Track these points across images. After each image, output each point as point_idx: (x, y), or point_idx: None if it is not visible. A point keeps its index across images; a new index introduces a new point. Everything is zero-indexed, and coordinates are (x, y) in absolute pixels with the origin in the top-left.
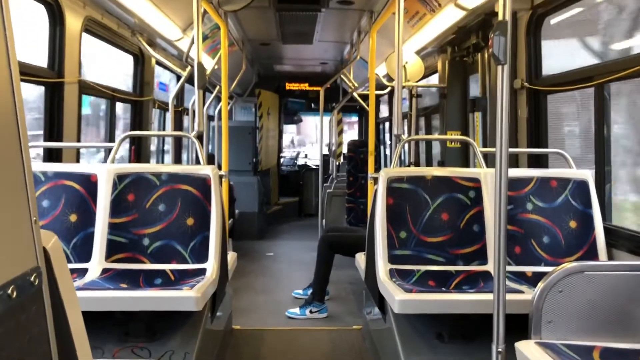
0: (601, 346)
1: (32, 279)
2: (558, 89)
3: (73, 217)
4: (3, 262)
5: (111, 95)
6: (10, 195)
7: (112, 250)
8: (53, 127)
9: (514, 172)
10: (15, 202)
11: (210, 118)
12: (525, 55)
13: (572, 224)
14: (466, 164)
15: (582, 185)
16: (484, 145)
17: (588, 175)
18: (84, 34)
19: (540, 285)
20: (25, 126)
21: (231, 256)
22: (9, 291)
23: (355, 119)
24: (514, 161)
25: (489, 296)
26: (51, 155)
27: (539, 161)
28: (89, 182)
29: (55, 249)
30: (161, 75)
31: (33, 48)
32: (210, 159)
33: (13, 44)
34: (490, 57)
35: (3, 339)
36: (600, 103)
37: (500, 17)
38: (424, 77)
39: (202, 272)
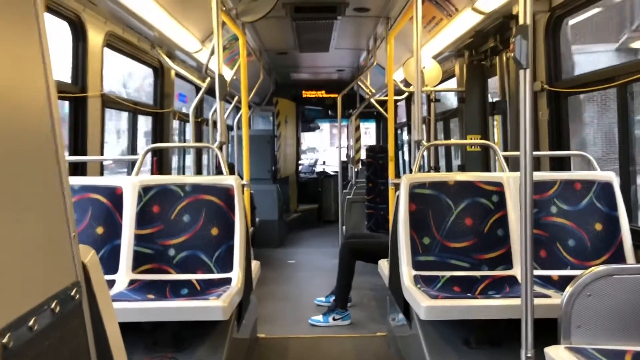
0: (633, 350)
1: (72, 293)
2: (579, 91)
3: (100, 230)
4: (46, 278)
5: (133, 108)
6: (50, 211)
7: (139, 261)
8: (77, 141)
9: (537, 176)
10: (55, 217)
11: (229, 128)
12: (545, 57)
13: (598, 227)
14: (486, 168)
15: (606, 187)
16: (504, 149)
17: (612, 176)
18: (106, 49)
19: (569, 289)
20: (63, 142)
21: (255, 265)
22: (52, 305)
23: (368, 124)
24: (535, 164)
25: (516, 301)
26: (76, 169)
27: (560, 164)
28: (115, 195)
29: (93, 263)
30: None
31: (56, 64)
32: (231, 169)
33: (50, 62)
34: (509, 59)
35: (48, 352)
36: (623, 103)
37: (521, 21)
38: (441, 81)
39: (228, 281)
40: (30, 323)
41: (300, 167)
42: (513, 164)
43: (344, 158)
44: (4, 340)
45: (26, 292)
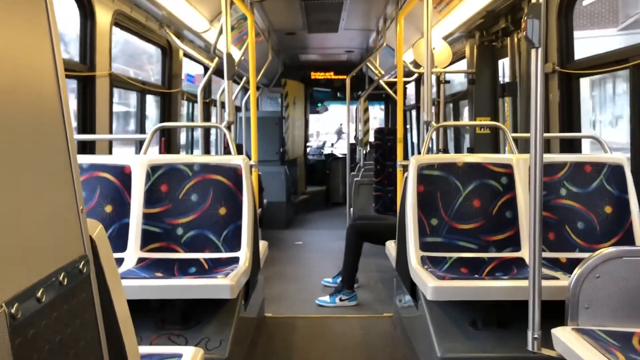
0: None
1: (80, 266)
2: (591, 72)
3: (108, 208)
4: (54, 250)
5: (141, 88)
6: (58, 185)
7: (147, 240)
8: (86, 119)
9: (547, 158)
10: (63, 191)
11: (237, 109)
12: (557, 38)
13: (607, 210)
14: (496, 150)
15: (617, 169)
16: (514, 131)
17: (623, 159)
18: (114, 28)
19: (577, 270)
20: (71, 119)
21: (262, 245)
22: (60, 278)
23: (376, 108)
24: (545, 146)
25: (523, 282)
26: (84, 148)
27: (571, 146)
28: (123, 174)
29: (100, 237)
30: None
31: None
32: (238, 150)
33: (58, 42)
34: (520, 40)
35: (56, 323)
36: (636, 85)
37: (533, 0)
38: (451, 63)
39: (235, 260)
40: (39, 294)
41: (308, 149)
42: (522, 146)
43: (352, 140)
44: (13, 310)
45: (34, 263)
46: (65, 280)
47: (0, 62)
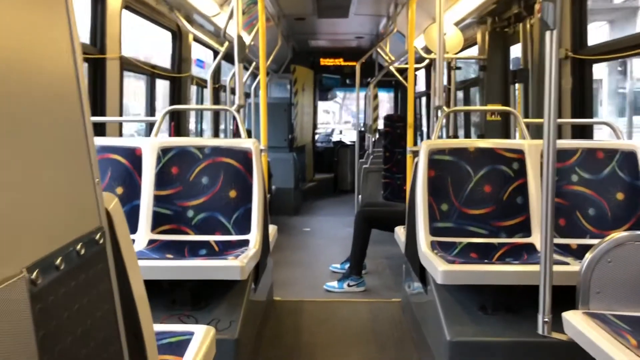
0: None
1: (97, 237)
2: (605, 58)
3: (119, 190)
4: (71, 221)
5: (151, 72)
6: (75, 158)
7: (158, 222)
8: (96, 102)
9: (560, 143)
10: (80, 164)
11: (246, 95)
12: (570, 24)
13: (619, 196)
14: (506, 137)
15: (629, 156)
16: (526, 118)
17: (637, 145)
18: (124, 11)
19: (589, 255)
20: (87, 96)
21: (272, 229)
22: (78, 248)
23: (383, 94)
24: (557, 132)
25: (534, 267)
26: (95, 130)
27: (582, 132)
28: (134, 156)
29: (116, 210)
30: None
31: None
32: (248, 134)
33: (75, 24)
34: (533, 26)
35: (74, 292)
36: None
37: None
38: (462, 49)
39: (245, 243)
40: (57, 262)
41: (316, 136)
42: (534, 132)
43: (361, 127)
44: (33, 277)
45: (53, 232)
46: (83, 250)
47: (20, 41)
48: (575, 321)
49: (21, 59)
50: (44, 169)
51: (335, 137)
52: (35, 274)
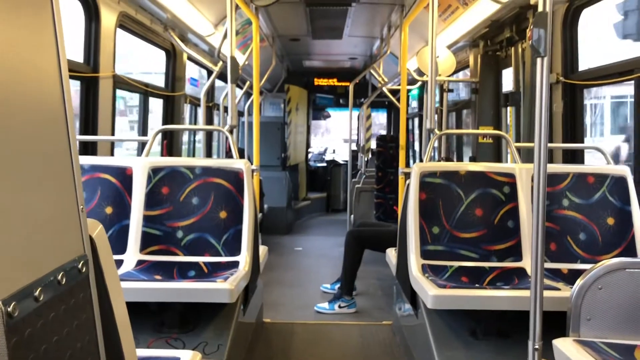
0: None
1: (79, 266)
2: (595, 83)
3: (108, 210)
4: (53, 249)
5: (144, 90)
6: (59, 184)
7: (147, 242)
8: (88, 120)
9: (550, 168)
10: (64, 190)
11: (240, 114)
12: (561, 48)
13: (610, 221)
14: (498, 160)
15: (620, 181)
16: (517, 141)
17: (627, 171)
18: (118, 30)
19: (580, 281)
20: (73, 119)
21: (262, 250)
22: (59, 277)
23: (379, 114)
24: (548, 157)
25: (525, 293)
26: (86, 149)
27: (573, 157)
28: (124, 175)
29: (100, 237)
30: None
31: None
32: (240, 154)
33: (63, 41)
34: (525, 50)
35: (53, 323)
36: None
37: (540, 8)
38: (454, 72)
39: (235, 264)
40: (36, 293)
41: (310, 155)
42: (525, 156)
43: (354, 147)
44: (10, 309)
45: (33, 262)
46: (64, 279)
47: (3, 60)
48: (566, 349)
49: (5, 79)
50: (26, 194)
51: (328, 157)
52: (12, 306)
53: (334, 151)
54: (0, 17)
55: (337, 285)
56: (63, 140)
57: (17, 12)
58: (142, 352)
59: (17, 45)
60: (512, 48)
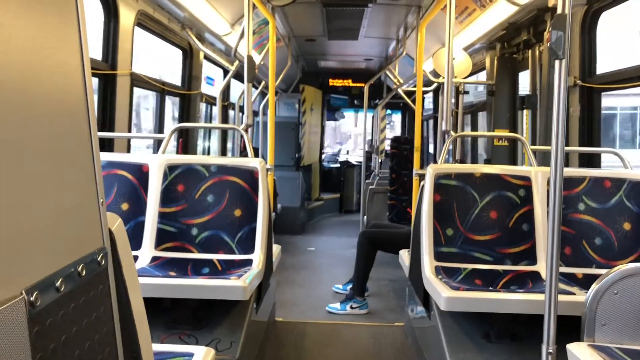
0: None
1: (99, 258)
2: (613, 87)
3: (124, 206)
4: (74, 241)
5: (161, 89)
6: (81, 178)
7: (162, 239)
8: (105, 117)
9: (567, 172)
10: (85, 184)
11: (255, 113)
12: (579, 52)
13: (626, 226)
14: (513, 163)
15: (637, 186)
16: (533, 144)
17: None
18: (136, 28)
19: (595, 286)
20: (95, 114)
21: (276, 248)
22: (79, 269)
23: (393, 116)
24: (565, 160)
25: (539, 296)
26: (103, 146)
27: (590, 160)
28: (141, 172)
29: (119, 231)
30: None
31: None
32: (255, 153)
33: (86, 40)
34: (542, 53)
35: (73, 314)
36: None
37: (559, 10)
38: (470, 74)
39: (249, 262)
40: (57, 284)
41: (323, 156)
42: (541, 159)
43: (368, 148)
44: (32, 298)
45: (55, 253)
46: (84, 271)
47: (30, 57)
48: (580, 353)
49: (32, 76)
50: (49, 187)
51: (342, 157)
52: (34, 295)
53: (347, 152)
54: (27, 15)
55: (349, 286)
56: (85, 135)
57: (44, 10)
58: (155, 347)
59: (43, 43)
60: (529, 51)
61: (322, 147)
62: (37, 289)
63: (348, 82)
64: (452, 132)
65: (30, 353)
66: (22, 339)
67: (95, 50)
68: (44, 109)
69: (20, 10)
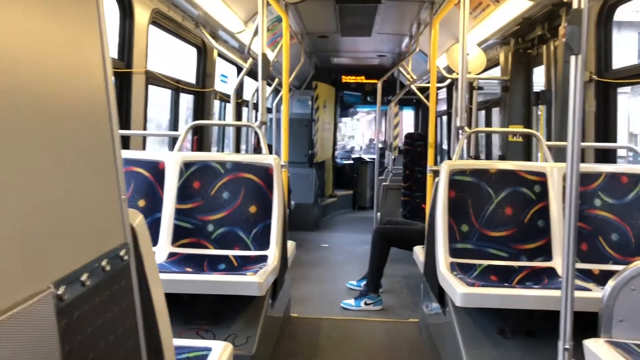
0: None
1: (122, 254)
2: (629, 82)
3: (141, 203)
4: (97, 237)
5: (175, 86)
6: (103, 174)
7: (178, 235)
8: (121, 115)
9: (583, 167)
10: (107, 180)
11: (268, 110)
12: (595, 46)
13: None
14: (528, 159)
15: None
16: (548, 140)
17: None
18: (151, 26)
19: (612, 282)
20: (116, 111)
21: (290, 245)
22: (103, 264)
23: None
24: (580, 156)
25: (555, 292)
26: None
27: (605, 156)
28: (157, 169)
29: (141, 226)
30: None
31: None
32: (269, 150)
33: (107, 39)
34: (557, 48)
35: (99, 308)
36: None
37: (575, 5)
38: (484, 70)
39: (264, 259)
40: (83, 278)
41: (336, 152)
42: (556, 155)
43: (381, 145)
44: (60, 292)
45: (80, 248)
46: (108, 266)
47: (53, 57)
48: (597, 350)
49: (55, 75)
50: (73, 184)
51: (355, 154)
52: (62, 289)
53: (360, 148)
54: (49, 15)
55: (364, 283)
56: (107, 133)
57: (65, 10)
58: (174, 341)
59: (65, 42)
60: (544, 46)
61: (335, 143)
62: (64, 283)
63: (361, 79)
64: (466, 129)
65: (59, 345)
66: (52, 332)
67: (111, 48)
68: (69, 109)
69: (46, 13)
